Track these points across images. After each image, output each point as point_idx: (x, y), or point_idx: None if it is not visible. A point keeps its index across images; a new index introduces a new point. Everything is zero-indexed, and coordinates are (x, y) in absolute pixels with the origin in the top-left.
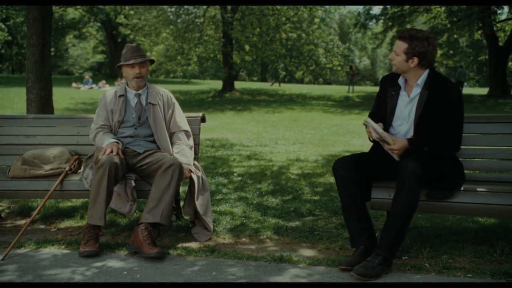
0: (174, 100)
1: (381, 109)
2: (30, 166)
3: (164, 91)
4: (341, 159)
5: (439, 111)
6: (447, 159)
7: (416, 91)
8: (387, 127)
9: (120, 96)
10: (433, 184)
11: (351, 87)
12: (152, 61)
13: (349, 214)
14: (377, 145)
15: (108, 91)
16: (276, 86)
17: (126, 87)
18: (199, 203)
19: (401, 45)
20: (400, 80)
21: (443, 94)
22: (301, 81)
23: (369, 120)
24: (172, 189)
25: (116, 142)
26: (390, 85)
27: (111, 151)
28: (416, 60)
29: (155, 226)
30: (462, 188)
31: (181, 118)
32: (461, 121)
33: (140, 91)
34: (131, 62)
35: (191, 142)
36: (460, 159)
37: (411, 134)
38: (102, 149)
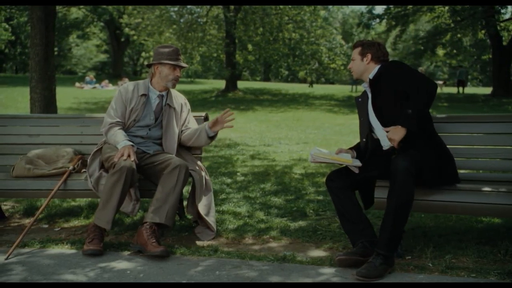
0: (188, 106)
1: (362, 122)
2: (33, 165)
3: (181, 96)
4: (330, 174)
5: (387, 94)
6: (437, 154)
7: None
8: (369, 135)
9: (142, 95)
10: (429, 182)
11: (353, 86)
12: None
13: (344, 220)
14: (364, 149)
15: (128, 85)
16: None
17: (150, 86)
18: (201, 204)
19: (355, 51)
20: (364, 85)
21: (385, 76)
22: (304, 81)
23: (314, 152)
24: (178, 190)
25: (131, 145)
26: (358, 97)
27: (128, 156)
28: (369, 55)
29: (159, 226)
30: (464, 188)
31: (193, 124)
32: (424, 77)
33: (163, 93)
34: (180, 64)
35: None
36: (463, 158)
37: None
38: (118, 152)
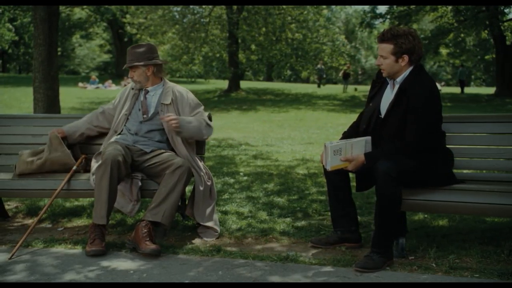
0: (192, 100)
1: (369, 107)
2: (36, 156)
3: (180, 90)
4: None
5: (402, 111)
6: (429, 158)
7: (395, 88)
8: (376, 122)
9: (132, 89)
10: (420, 184)
11: (345, 86)
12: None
13: (330, 200)
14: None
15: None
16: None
17: None
18: (201, 212)
19: (386, 48)
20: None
21: (410, 94)
22: (306, 81)
23: (327, 147)
24: (178, 190)
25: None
26: (377, 82)
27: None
28: (406, 57)
29: (157, 225)
30: (468, 188)
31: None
32: (422, 130)
33: (149, 88)
34: (124, 66)
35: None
36: (466, 158)
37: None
38: None
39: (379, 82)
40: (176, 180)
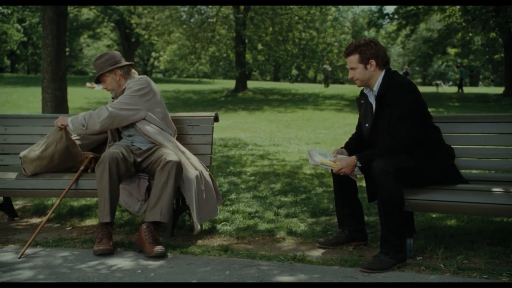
0: (129, 89)
1: (366, 127)
2: (37, 149)
3: (129, 81)
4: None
5: (387, 116)
6: (428, 156)
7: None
8: (367, 137)
9: (112, 98)
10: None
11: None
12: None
13: (336, 199)
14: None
15: None
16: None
17: None
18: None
19: (353, 59)
20: (366, 89)
21: (389, 98)
22: (313, 80)
23: (310, 150)
24: (170, 186)
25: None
26: (360, 98)
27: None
28: (373, 62)
29: (156, 224)
30: (476, 188)
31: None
32: (407, 125)
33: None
34: (94, 80)
35: (103, 113)
36: (474, 158)
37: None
38: None
39: (364, 100)
40: (166, 177)
